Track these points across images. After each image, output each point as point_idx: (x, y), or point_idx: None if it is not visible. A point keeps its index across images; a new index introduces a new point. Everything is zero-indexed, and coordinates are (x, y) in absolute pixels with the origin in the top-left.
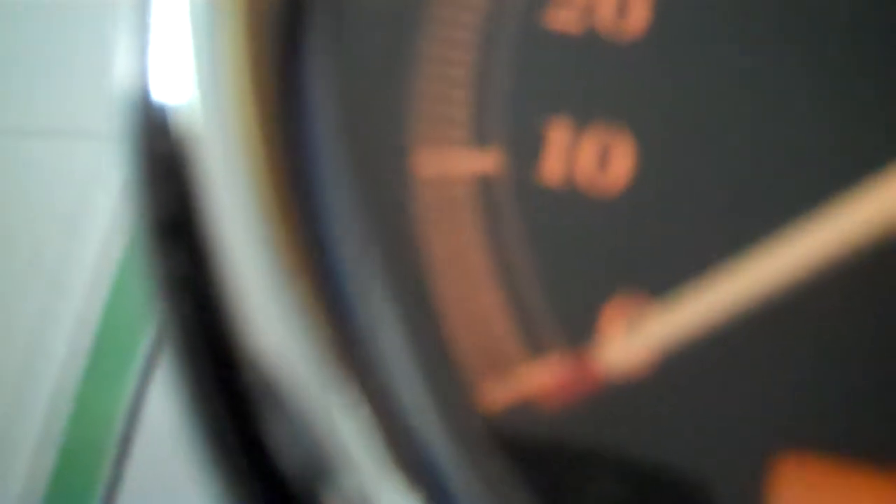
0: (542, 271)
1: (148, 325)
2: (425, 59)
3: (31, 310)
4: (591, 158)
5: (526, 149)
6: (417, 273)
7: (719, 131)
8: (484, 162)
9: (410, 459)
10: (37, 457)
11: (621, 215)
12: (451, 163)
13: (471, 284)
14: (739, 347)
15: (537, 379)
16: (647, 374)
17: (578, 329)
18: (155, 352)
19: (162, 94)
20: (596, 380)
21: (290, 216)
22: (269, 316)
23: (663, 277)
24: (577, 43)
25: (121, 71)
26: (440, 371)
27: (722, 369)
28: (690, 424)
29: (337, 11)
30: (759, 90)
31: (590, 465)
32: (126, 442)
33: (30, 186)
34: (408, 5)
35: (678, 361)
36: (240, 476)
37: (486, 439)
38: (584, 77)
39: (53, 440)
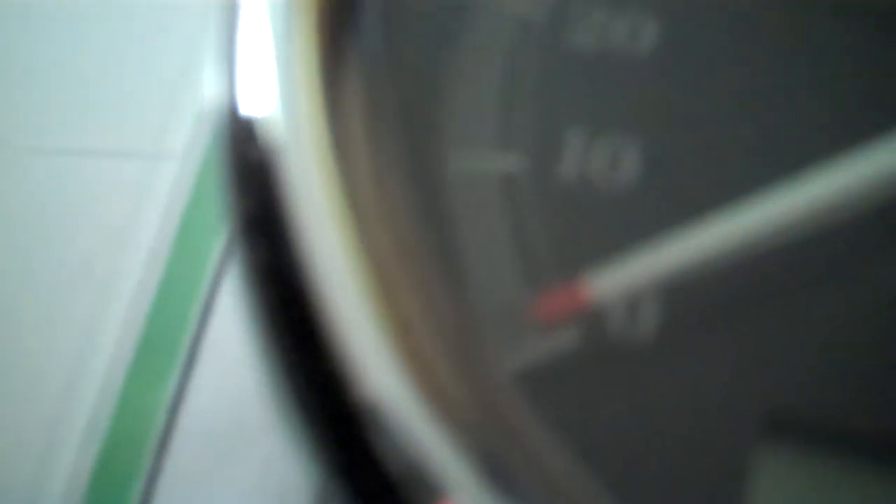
0: (555, 249)
1: (187, 331)
2: (463, 76)
3: (81, 314)
4: (603, 161)
5: (545, 152)
6: (453, 254)
7: (714, 138)
8: (509, 162)
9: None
10: (83, 448)
11: (629, 209)
12: (482, 161)
13: (497, 265)
14: (731, 321)
15: (537, 306)
16: (646, 345)
17: (573, 269)
18: (193, 354)
19: (249, 108)
20: (582, 304)
21: (358, 211)
22: (347, 309)
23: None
24: (592, 61)
25: (211, 88)
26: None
27: (712, 346)
28: (680, 393)
29: (388, 37)
30: (744, 100)
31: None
32: (166, 436)
33: (83, 202)
34: (448, 31)
35: (675, 336)
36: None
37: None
38: (599, 90)
39: (99, 433)
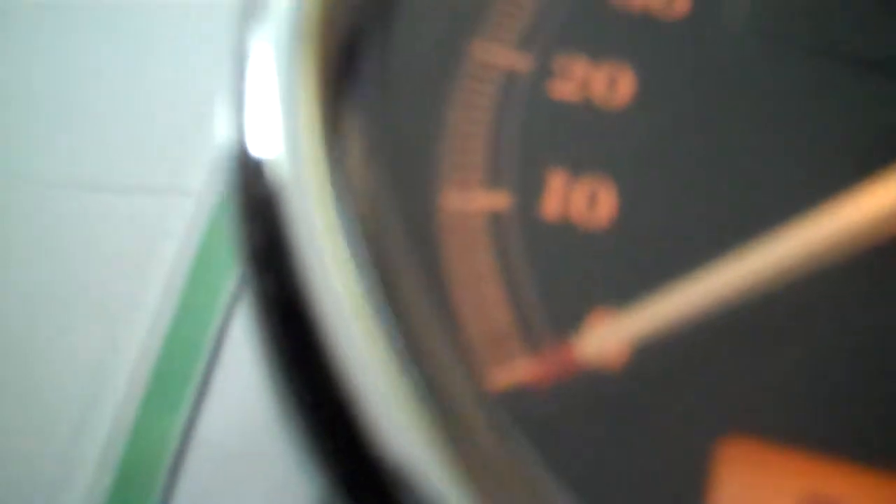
0: (540, 286)
1: (200, 360)
2: (453, 120)
3: (98, 342)
4: (583, 200)
5: (530, 191)
6: (442, 285)
7: (685, 181)
8: (496, 200)
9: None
10: (97, 474)
11: (606, 245)
12: (470, 200)
13: (483, 296)
14: (698, 346)
15: (531, 366)
16: (621, 367)
17: (565, 328)
18: (205, 384)
19: (257, 150)
20: (574, 367)
21: (355, 243)
22: (352, 339)
23: (638, 294)
24: (574, 109)
25: (223, 131)
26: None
27: (680, 364)
28: (650, 411)
29: (384, 86)
30: (713, 147)
31: (568, 440)
32: (179, 463)
33: (102, 236)
34: (440, 79)
35: (646, 357)
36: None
37: (491, 415)
38: (579, 136)
39: (113, 460)
